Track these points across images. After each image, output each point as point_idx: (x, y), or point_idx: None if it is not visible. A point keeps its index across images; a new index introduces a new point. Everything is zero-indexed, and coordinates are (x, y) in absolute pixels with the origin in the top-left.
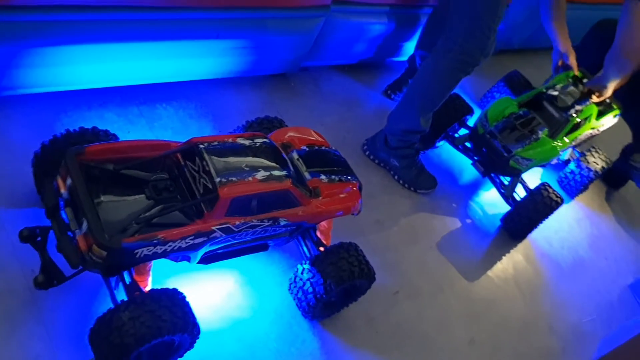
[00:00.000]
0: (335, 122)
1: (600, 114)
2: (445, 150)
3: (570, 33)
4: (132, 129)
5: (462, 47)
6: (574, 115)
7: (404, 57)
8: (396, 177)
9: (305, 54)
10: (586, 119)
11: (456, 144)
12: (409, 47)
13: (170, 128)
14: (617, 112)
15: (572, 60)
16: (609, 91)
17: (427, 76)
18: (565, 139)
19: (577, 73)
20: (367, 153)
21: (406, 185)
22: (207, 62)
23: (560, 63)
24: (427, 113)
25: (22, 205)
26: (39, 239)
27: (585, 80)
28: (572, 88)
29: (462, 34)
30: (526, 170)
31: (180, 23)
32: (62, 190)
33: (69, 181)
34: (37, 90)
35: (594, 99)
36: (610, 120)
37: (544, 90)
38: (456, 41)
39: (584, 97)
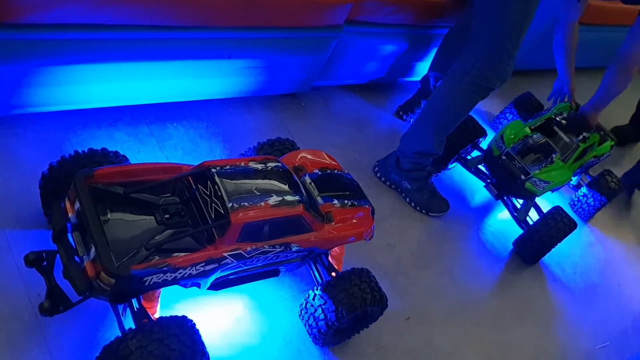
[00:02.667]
0: (345, 143)
1: (600, 143)
2: (457, 172)
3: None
4: (142, 149)
5: (480, 71)
6: (583, 141)
7: (417, 78)
8: (408, 199)
9: (317, 73)
10: (592, 146)
11: (469, 165)
12: (422, 68)
13: (180, 148)
14: (612, 142)
15: (571, 90)
16: (597, 117)
17: (442, 98)
18: (574, 164)
19: (572, 103)
20: (379, 175)
21: (418, 208)
22: (219, 82)
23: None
24: (441, 136)
25: (28, 226)
26: (45, 263)
27: (580, 112)
28: (575, 117)
29: (480, 58)
30: (542, 193)
31: (192, 42)
32: (70, 214)
33: (77, 205)
34: (46, 109)
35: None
36: (607, 150)
37: (553, 116)
38: (474, 65)
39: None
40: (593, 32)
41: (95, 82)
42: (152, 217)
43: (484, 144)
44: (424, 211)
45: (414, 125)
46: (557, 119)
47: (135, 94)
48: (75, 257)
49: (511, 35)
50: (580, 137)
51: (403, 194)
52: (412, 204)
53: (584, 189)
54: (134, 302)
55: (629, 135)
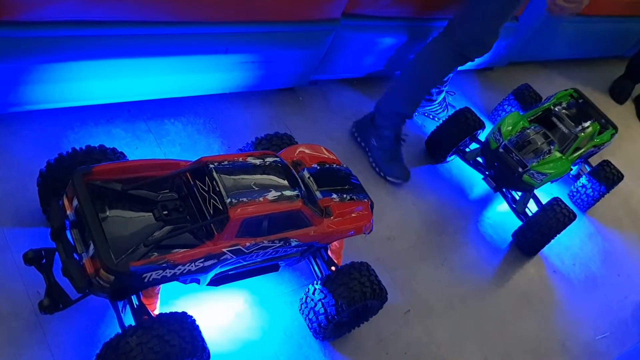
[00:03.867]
0: (344, 137)
1: (599, 132)
2: (456, 165)
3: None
4: (140, 145)
5: (463, 42)
6: (581, 132)
7: None
8: (371, 159)
9: (314, 67)
10: (591, 136)
11: (467, 158)
12: None
13: (178, 144)
14: (613, 131)
15: None
16: None
17: (423, 64)
18: (573, 155)
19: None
20: (355, 134)
21: (377, 170)
22: (216, 77)
23: None
24: (416, 98)
25: (27, 224)
26: (44, 261)
27: (581, 101)
28: (575, 107)
29: (466, 30)
30: (540, 185)
31: (189, 38)
32: (69, 212)
33: (75, 202)
34: (43, 107)
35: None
36: (607, 138)
37: (552, 107)
38: (458, 35)
39: (587, 115)
40: (591, 23)
41: (92, 78)
42: (151, 214)
43: (482, 136)
44: (382, 174)
45: (393, 86)
46: (556, 109)
47: (132, 90)
48: (74, 254)
49: (500, 12)
50: (579, 127)
51: (369, 153)
52: (373, 164)
53: (583, 179)
54: (134, 298)
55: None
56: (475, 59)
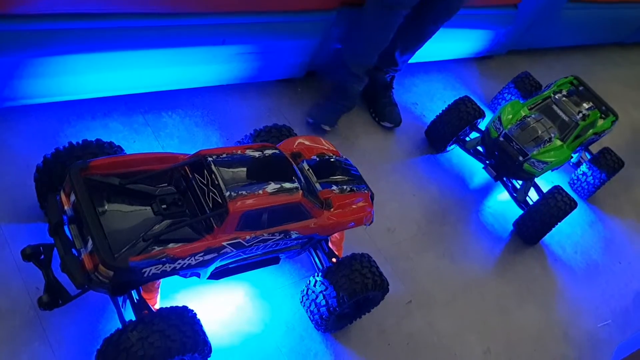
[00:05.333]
0: (342, 127)
1: (600, 119)
2: (456, 155)
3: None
4: (137, 139)
5: None
6: (582, 119)
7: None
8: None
9: (311, 58)
10: (592, 123)
11: (467, 147)
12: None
13: (176, 137)
14: (613, 118)
15: None
16: None
17: (363, 17)
18: (574, 143)
19: None
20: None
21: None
22: (213, 69)
23: None
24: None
25: (25, 219)
26: (42, 257)
27: (581, 88)
28: (575, 94)
29: None
30: (540, 174)
31: (186, 29)
32: (66, 207)
33: (73, 198)
34: (39, 101)
35: None
36: (607, 126)
37: (552, 95)
38: None
39: (587, 102)
40: (591, 10)
41: (88, 72)
42: (149, 208)
43: (483, 125)
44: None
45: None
46: (556, 97)
47: (129, 83)
48: (73, 250)
49: None
50: (580, 115)
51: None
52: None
53: (584, 167)
54: (134, 293)
55: None
56: (409, 7)
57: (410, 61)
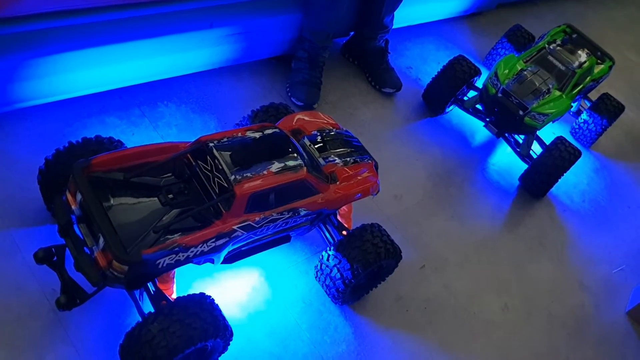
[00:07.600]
0: (339, 100)
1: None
2: (455, 115)
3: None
4: (136, 131)
5: None
6: (579, 67)
7: (403, 24)
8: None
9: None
10: (589, 70)
11: (466, 107)
12: (405, 14)
13: (174, 125)
14: (610, 63)
15: None
16: None
17: None
18: (572, 91)
19: None
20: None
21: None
22: (203, 53)
23: None
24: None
25: (33, 223)
26: (55, 258)
27: (575, 36)
28: (570, 42)
29: None
30: (542, 126)
31: (172, 16)
32: (73, 207)
33: (79, 197)
34: (33, 103)
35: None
36: (605, 71)
37: (546, 45)
38: None
39: (582, 49)
40: None
41: (79, 69)
42: (156, 199)
43: (479, 83)
44: (288, 84)
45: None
46: (551, 47)
47: (122, 76)
48: (85, 248)
49: None
50: (576, 63)
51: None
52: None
53: (584, 115)
54: (150, 285)
55: None
56: None
57: (399, 25)
